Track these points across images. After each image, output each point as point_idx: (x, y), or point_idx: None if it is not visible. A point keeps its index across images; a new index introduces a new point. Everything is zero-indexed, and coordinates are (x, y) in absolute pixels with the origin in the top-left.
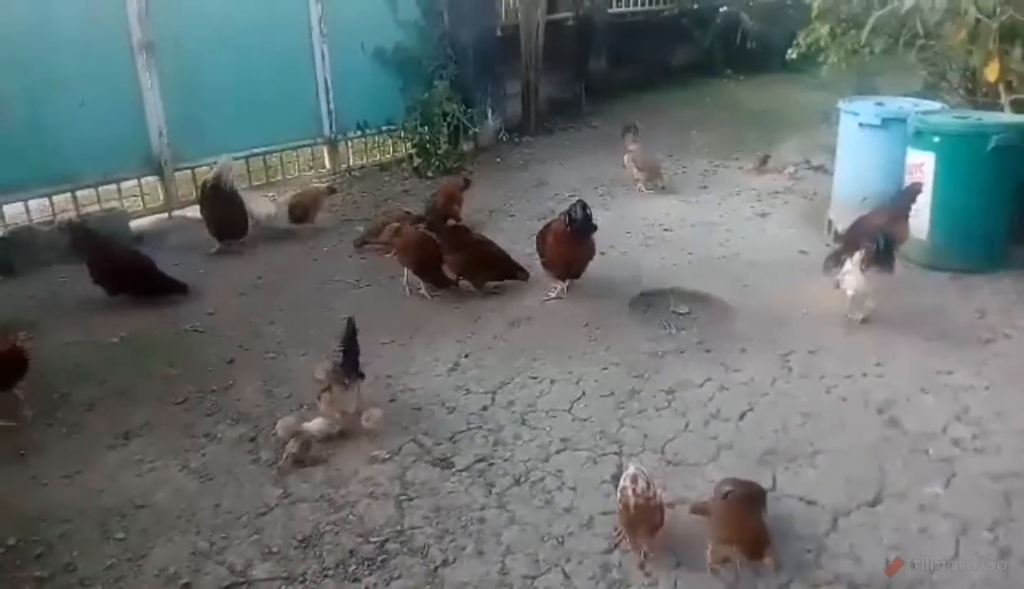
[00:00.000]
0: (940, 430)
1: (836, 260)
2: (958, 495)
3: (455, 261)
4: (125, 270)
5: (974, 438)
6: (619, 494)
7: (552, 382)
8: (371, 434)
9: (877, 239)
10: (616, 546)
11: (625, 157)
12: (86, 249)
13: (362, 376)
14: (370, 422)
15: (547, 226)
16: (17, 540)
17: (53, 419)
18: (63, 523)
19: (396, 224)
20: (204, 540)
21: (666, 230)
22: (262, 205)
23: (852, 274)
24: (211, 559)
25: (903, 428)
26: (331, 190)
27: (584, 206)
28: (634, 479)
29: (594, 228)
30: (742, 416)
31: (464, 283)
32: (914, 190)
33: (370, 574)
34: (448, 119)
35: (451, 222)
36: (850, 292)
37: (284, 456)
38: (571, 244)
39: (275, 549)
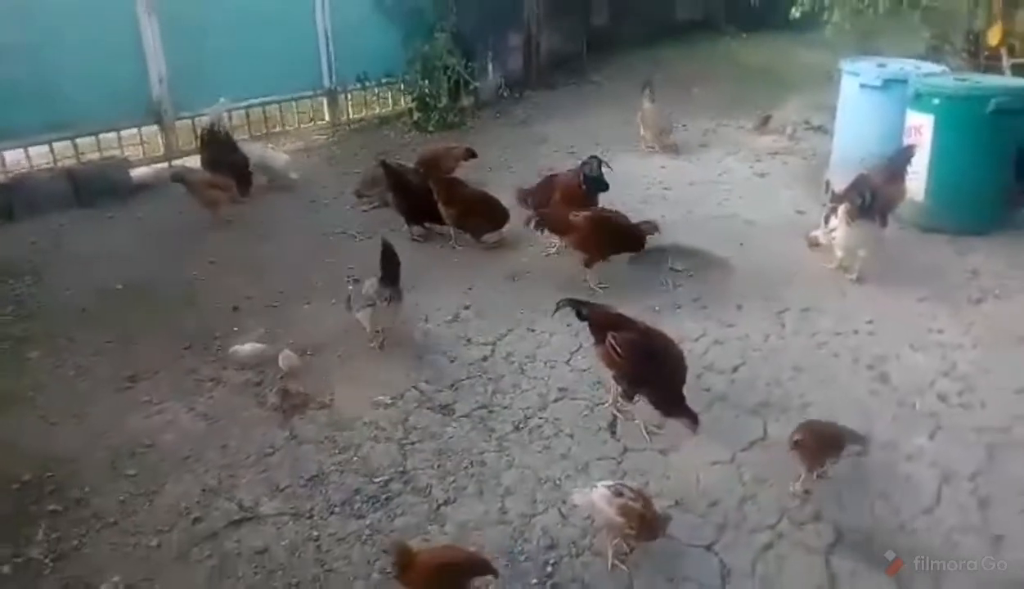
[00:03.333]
0: (928, 385)
1: (827, 219)
2: (942, 447)
3: (451, 213)
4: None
5: (960, 394)
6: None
7: (551, 334)
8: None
9: (863, 193)
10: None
11: (638, 114)
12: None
13: (395, 296)
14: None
15: (550, 179)
16: (31, 476)
17: (60, 362)
18: (74, 461)
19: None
20: (213, 478)
21: (665, 188)
22: (275, 157)
23: (839, 228)
24: (220, 496)
25: (892, 383)
26: (470, 153)
27: (600, 162)
28: (618, 493)
29: (607, 187)
30: (735, 369)
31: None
32: (909, 152)
33: (375, 511)
34: (448, 73)
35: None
36: (839, 252)
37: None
38: (581, 202)
39: (282, 487)
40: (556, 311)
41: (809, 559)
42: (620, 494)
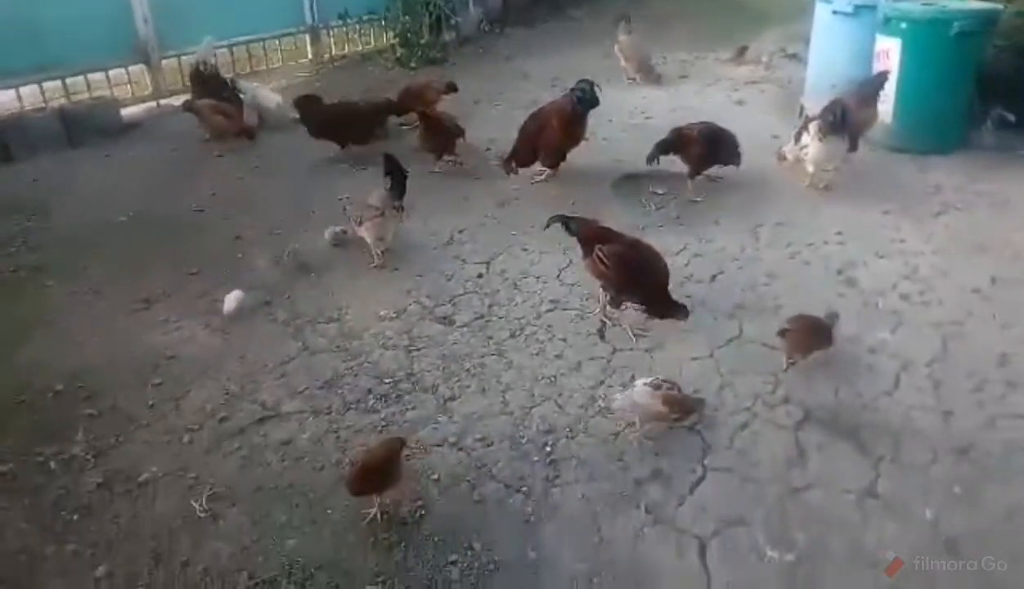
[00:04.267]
0: (891, 287)
1: (798, 137)
2: (902, 339)
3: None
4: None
5: (920, 294)
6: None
7: (541, 253)
8: None
9: (835, 111)
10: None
11: (615, 47)
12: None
13: (400, 207)
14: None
15: (538, 114)
16: (63, 386)
17: (76, 288)
18: (102, 372)
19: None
20: (235, 384)
21: (647, 118)
22: (268, 96)
23: (811, 144)
24: (243, 399)
25: (858, 286)
26: (451, 87)
27: (592, 84)
28: (656, 386)
29: (598, 103)
30: (713, 278)
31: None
32: (882, 77)
33: (387, 407)
34: (430, 8)
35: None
36: (810, 167)
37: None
38: (577, 124)
39: (301, 390)
40: (547, 226)
41: (780, 434)
42: (659, 387)
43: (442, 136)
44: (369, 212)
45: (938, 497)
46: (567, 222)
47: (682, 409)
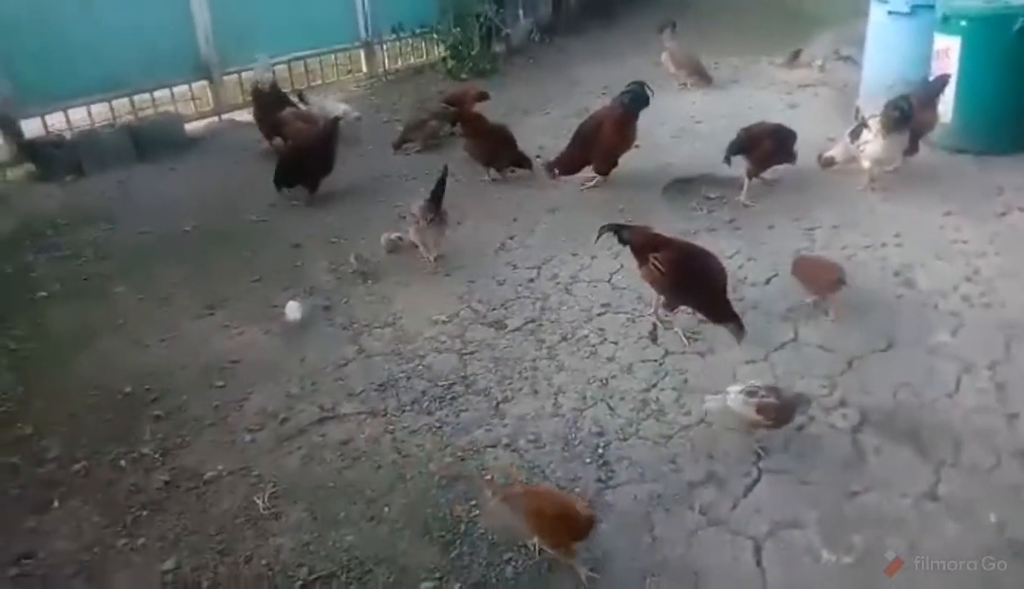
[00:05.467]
0: (951, 289)
1: (856, 134)
2: (963, 342)
3: (473, 145)
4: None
5: (982, 295)
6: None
7: (592, 257)
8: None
9: (901, 105)
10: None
11: (663, 55)
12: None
13: (437, 217)
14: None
15: (591, 118)
16: (132, 388)
17: (143, 295)
18: (168, 375)
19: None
20: (295, 387)
21: (697, 122)
22: (335, 107)
23: (872, 141)
24: (303, 400)
25: (917, 288)
26: (483, 95)
27: (644, 84)
28: (751, 393)
29: (648, 102)
30: (768, 281)
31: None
32: (943, 80)
33: (441, 409)
34: (480, 20)
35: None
36: (866, 163)
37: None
38: (629, 126)
39: (358, 392)
40: (599, 237)
41: (837, 437)
42: (754, 393)
43: (486, 141)
44: (411, 220)
45: (1002, 500)
46: (619, 231)
47: (778, 417)
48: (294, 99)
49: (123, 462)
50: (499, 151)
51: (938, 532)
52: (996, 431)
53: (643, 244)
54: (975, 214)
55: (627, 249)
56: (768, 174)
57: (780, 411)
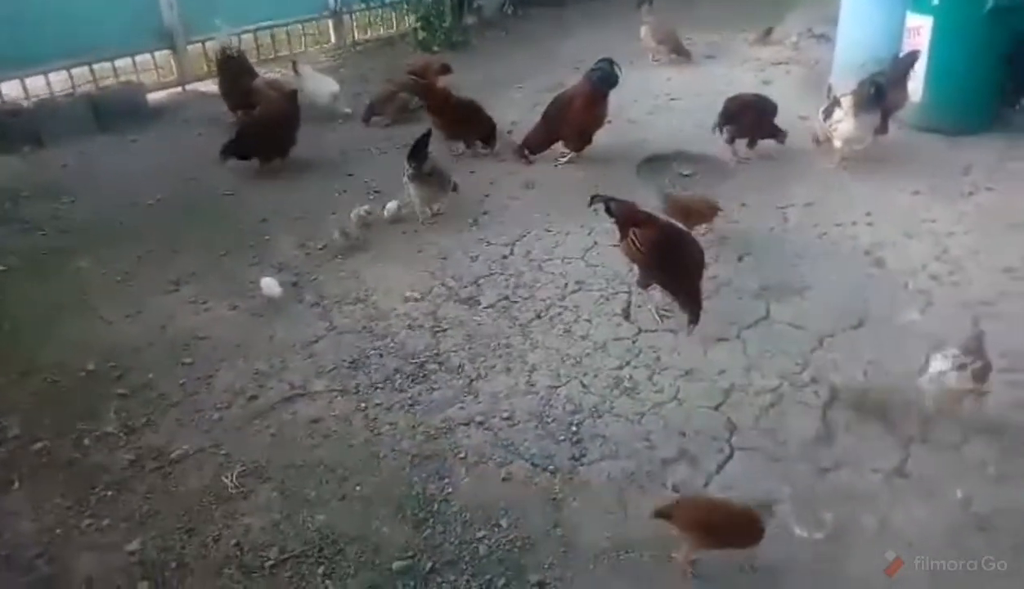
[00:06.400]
0: (920, 267)
1: (828, 113)
2: (932, 320)
3: (436, 120)
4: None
5: (950, 274)
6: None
7: (567, 234)
8: None
9: (868, 84)
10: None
11: (642, 29)
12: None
13: (421, 174)
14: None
15: (560, 97)
16: (96, 366)
17: (107, 269)
18: (134, 352)
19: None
20: (264, 363)
21: (672, 99)
22: (324, 84)
23: (844, 119)
24: (272, 377)
25: (887, 267)
26: (445, 68)
27: (612, 62)
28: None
29: (617, 82)
30: (740, 258)
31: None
32: (912, 57)
33: (414, 386)
34: None
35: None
36: (838, 143)
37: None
38: (599, 104)
39: (329, 369)
40: (591, 204)
41: (808, 414)
42: (964, 366)
43: (450, 116)
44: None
45: (970, 477)
46: (608, 203)
47: (986, 374)
48: (289, 70)
49: (87, 441)
50: (464, 126)
51: (907, 508)
52: (964, 408)
53: (627, 218)
54: (944, 193)
55: (603, 228)
56: (743, 152)
57: (986, 368)
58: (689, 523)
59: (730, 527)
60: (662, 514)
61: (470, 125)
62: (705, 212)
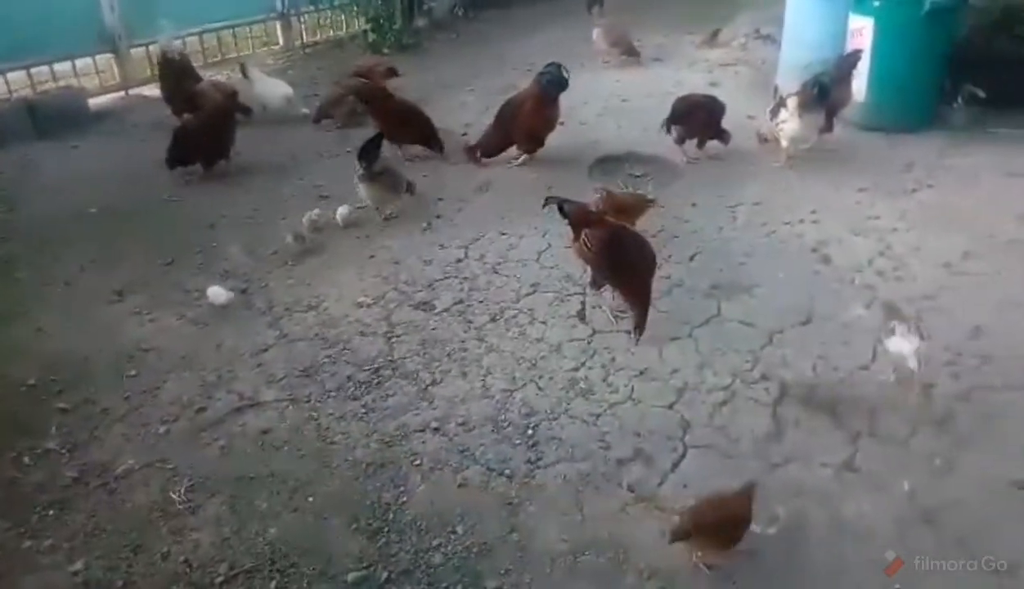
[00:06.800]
0: (866, 263)
1: (775, 112)
2: (878, 315)
3: (377, 123)
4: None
5: (894, 269)
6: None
7: (521, 237)
8: None
9: (814, 84)
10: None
11: (595, 32)
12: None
13: (370, 175)
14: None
15: (512, 101)
16: (36, 380)
17: (48, 280)
18: (76, 365)
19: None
20: (211, 374)
21: (623, 101)
22: (275, 87)
23: (789, 120)
24: (220, 388)
25: (833, 263)
26: (392, 71)
27: (560, 66)
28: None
29: (566, 85)
30: (691, 258)
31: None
32: (855, 56)
33: (368, 394)
34: None
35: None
36: (784, 142)
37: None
38: (549, 107)
39: (279, 378)
40: (545, 206)
41: (759, 411)
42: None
43: (388, 120)
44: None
45: (916, 469)
46: (561, 205)
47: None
48: (236, 72)
49: (27, 459)
50: (402, 129)
51: (857, 502)
52: (909, 400)
53: (579, 220)
54: (887, 190)
55: (558, 230)
56: (692, 152)
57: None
58: (705, 530)
59: (743, 518)
60: (679, 536)
61: (409, 128)
62: (637, 206)
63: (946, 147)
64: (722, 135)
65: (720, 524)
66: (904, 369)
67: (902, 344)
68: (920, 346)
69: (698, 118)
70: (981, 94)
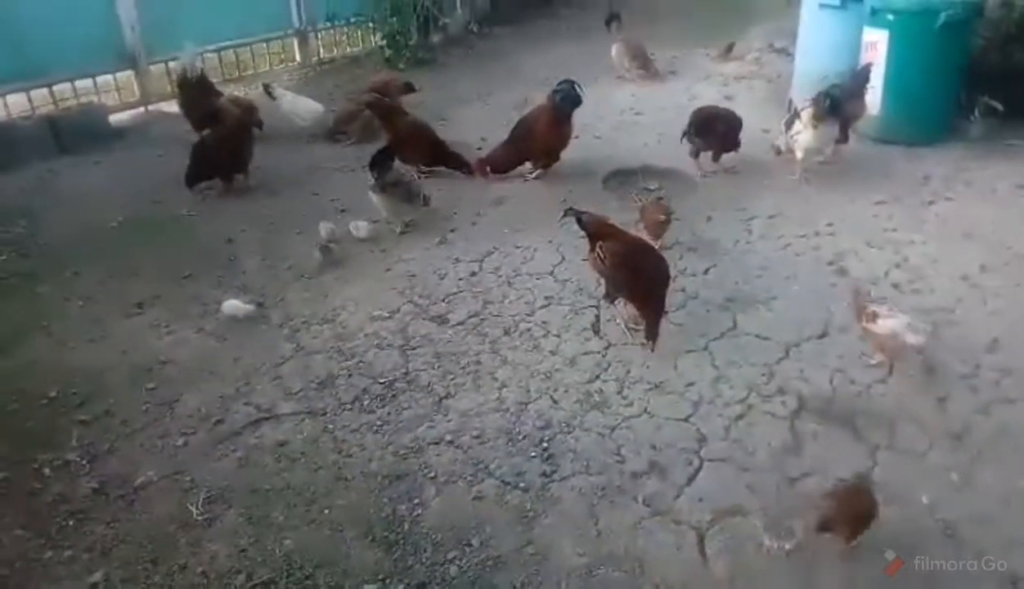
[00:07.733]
0: (882, 276)
1: (790, 124)
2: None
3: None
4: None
5: (911, 282)
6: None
7: (535, 250)
8: None
9: (827, 95)
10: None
11: (614, 48)
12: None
13: (385, 185)
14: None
15: (525, 118)
16: (57, 392)
17: (69, 294)
18: (95, 378)
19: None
20: (229, 387)
21: (637, 114)
22: (305, 104)
23: (803, 131)
24: (238, 401)
25: (850, 276)
26: (408, 87)
27: (573, 83)
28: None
29: (580, 102)
30: (707, 271)
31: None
32: (868, 69)
33: (383, 407)
34: (417, 9)
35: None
36: (799, 154)
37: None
38: (564, 124)
39: (296, 391)
40: (563, 218)
41: (776, 424)
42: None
43: (398, 137)
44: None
45: (935, 483)
46: (579, 216)
47: None
48: (262, 91)
49: (47, 470)
50: (409, 150)
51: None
52: (927, 415)
53: (596, 232)
54: (904, 203)
55: (572, 243)
56: (708, 165)
57: None
58: (848, 520)
59: (875, 509)
60: (825, 527)
61: (418, 148)
62: (656, 214)
63: (963, 160)
64: (736, 147)
65: (862, 515)
66: (901, 347)
67: (892, 323)
68: (911, 321)
69: (716, 129)
70: (998, 106)
